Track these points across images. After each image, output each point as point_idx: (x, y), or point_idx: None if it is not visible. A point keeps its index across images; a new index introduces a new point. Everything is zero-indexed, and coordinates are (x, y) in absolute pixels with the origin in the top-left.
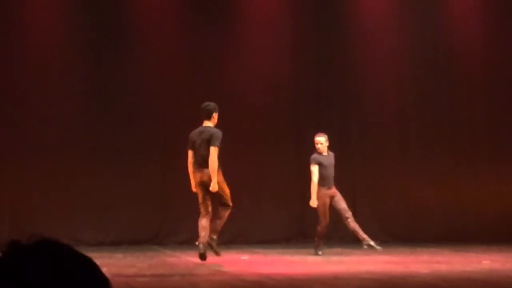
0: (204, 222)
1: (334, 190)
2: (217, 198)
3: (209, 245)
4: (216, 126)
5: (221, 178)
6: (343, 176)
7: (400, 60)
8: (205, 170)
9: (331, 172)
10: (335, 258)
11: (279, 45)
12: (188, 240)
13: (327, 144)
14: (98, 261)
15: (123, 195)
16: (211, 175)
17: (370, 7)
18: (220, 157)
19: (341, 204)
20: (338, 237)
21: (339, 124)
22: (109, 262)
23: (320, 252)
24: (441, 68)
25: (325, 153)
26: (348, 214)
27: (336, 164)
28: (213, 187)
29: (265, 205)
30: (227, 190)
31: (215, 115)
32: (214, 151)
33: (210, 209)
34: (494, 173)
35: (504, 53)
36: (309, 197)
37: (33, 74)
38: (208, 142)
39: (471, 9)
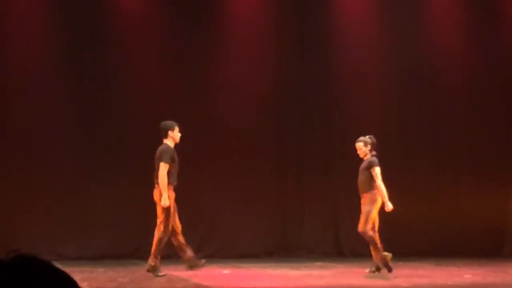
0: (174, 241)
1: (363, 200)
2: (158, 216)
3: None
4: (199, 138)
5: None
6: (324, 188)
7: (382, 71)
8: (155, 188)
9: (360, 178)
10: (316, 272)
11: (261, 55)
12: (169, 254)
13: (365, 148)
14: (79, 276)
15: (105, 209)
16: (161, 190)
17: (352, 17)
18: (181, 175)
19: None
20: (320, 251)
21: (320, 135)
22: (90, 277)
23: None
24: (423, 80)
25: (365, 158)
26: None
27: (318, 175)
28: (164, 201)
29: (246, 219)
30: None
31: (171, 133)
32: (162, 167)
33: (174, 226)
34: (476, 187)
35: (487, 62)
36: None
37: (14, 87)
38: (158, 159)
39: (453, 17)
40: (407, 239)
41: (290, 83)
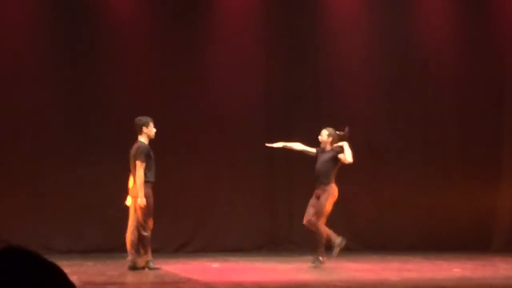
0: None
1: (319, 191)
2: (137, 215)
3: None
4: (189, 134)
5: (149, 196)
6: (313, 182)
7: (372, 68)
8: (131, 184)
9: (318, 169)
10: (305, 266)
11: (251, 54)
12: (158, 248)
13: (326, 139)
14: (68, 269)
15: (94, 202)
16: (138, 190)
17: (343, 15)
18: (171, 170)
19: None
20: (310, 245)
21: (311, 133)
22: (79, 270)
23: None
24: (412, 78)
25: (327, 148)
26: (305, 220)
27: (307, 169)
28: (140, 201)
29: (236, 213)
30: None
31: (146, 129)
32: (139, 166)
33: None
34: (465, 181)
35: (476, 59)
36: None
37: (1, 83)
38: (134, 156)
39: (443, 14)
40: (396, 233)
41: (281, 81)
